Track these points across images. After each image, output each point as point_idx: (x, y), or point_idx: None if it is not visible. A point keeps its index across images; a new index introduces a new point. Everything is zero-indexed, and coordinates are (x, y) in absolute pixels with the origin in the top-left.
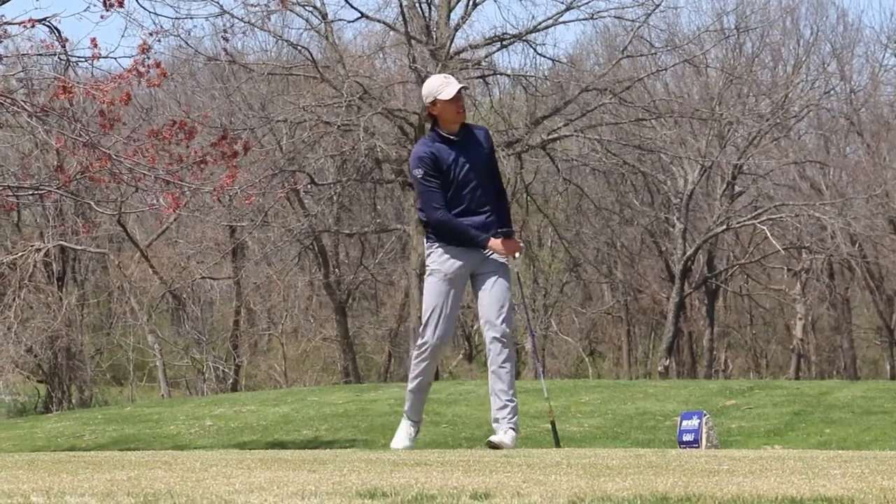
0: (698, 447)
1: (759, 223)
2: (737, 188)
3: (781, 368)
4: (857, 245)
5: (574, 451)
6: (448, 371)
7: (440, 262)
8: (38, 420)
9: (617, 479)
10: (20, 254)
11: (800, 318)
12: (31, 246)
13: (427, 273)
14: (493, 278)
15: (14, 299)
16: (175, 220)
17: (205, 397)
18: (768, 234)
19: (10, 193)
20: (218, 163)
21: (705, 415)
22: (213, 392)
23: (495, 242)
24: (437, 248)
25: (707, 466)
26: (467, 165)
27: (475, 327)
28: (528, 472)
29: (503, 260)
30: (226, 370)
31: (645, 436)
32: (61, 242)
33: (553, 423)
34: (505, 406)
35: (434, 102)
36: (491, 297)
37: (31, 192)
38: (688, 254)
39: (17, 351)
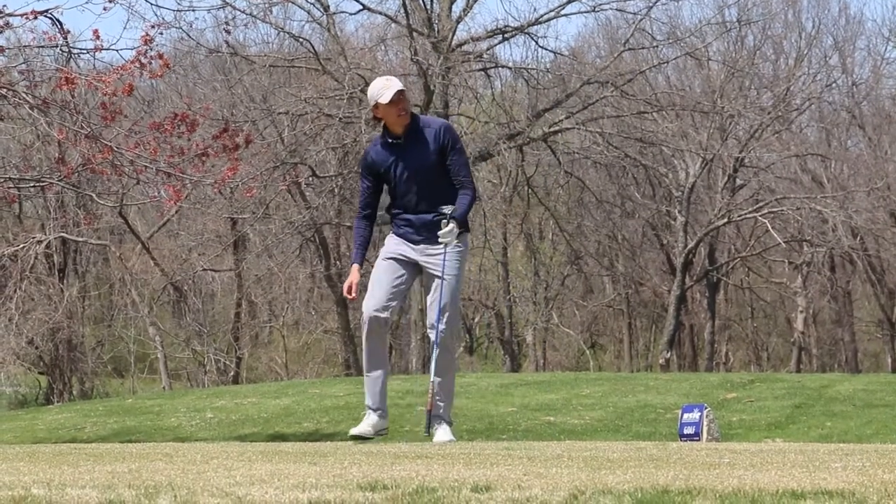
0: (699, 440)
1: (760, 216)
2: (738, 181)
3: (782, 361)
4: (858, 238)
5: (575, 443)
6: None
7: (387, 246)
8: (39, 412)
9: (618, 472)
10: (21, 245)
11: (801, 311)
12: (33, 238)
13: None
14: (435, 281)
15: (15, 291)
16: (176, 212)
17: (206, 389)
18: (769, 227)
19: (12, 185)
20: (219, 155)
21: (706, 408)
22: (215, 384)
23: (351, 274)
24: (388, 237)
25: (708, 459)
26: (408, 169)
27: (476, 319)
28: (529, 465)
29: (447, 245)
30: (227, 362)
31: (646, 429)
32: (63, 234)
33: (429, 412)
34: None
35: (376, 106)
36: (431, 298)
37: (32, 184)
38: (689, 247)
39: (18, 342)
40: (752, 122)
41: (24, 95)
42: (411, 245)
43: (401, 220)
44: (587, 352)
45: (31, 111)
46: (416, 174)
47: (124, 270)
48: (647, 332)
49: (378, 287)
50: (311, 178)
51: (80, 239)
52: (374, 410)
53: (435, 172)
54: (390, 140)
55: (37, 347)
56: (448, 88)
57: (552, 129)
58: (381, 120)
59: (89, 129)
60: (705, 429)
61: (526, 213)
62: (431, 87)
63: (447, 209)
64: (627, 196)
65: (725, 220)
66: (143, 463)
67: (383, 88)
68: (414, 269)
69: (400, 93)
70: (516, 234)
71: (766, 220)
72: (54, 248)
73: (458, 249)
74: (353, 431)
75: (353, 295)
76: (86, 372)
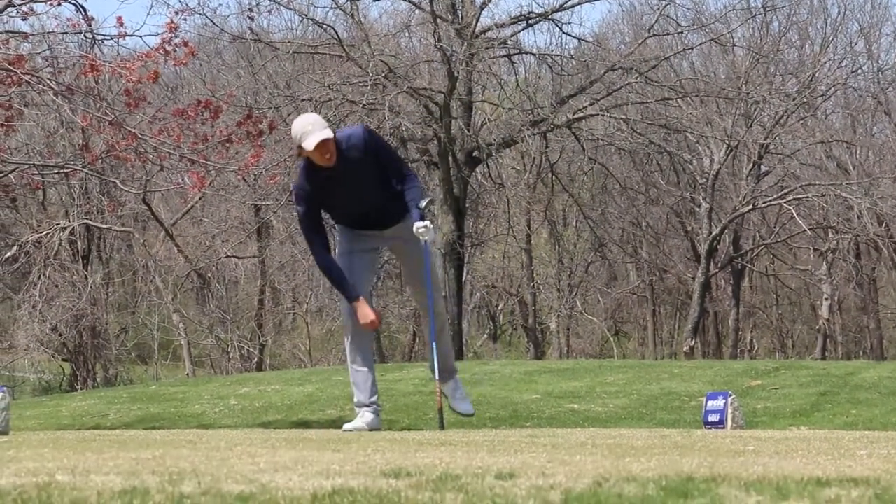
0: (724, 427)
1: (785, 203)
2: (763, 168)
3: (807, 349)
4: (883, 225)
5: (599, 431)
6: (473, 351)
7: (343, 240)
8: (63, 398)
9: (642, 460)
10: (45, 232)
11: (826, 299)
12: (57, 224)
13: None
14: (414, 255)
15: (39, 278)
16: (200, 198)
17: (229, 376)
18: (794, 214)
19: (36, 172)
20: (243, 142)
21: (731, 395)
22: (238, 371)
23: (360, 312)
24: (339, 233)
25: (732, 447)
26: (353, 192)
27: (500, 307)
28: (553, 453)
29: (428, 242)
30: (250, 349)
31: (670, 416)
32: (87, 221)
33: (440, 410)
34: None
35: (300, 148)
36: (414, 275)
37: (56, 171)
38: (713, 234)
39: (42, 329)
40: (776, 108)
41: (48, 82)
42: (368, 233)
43: (361, 231)
44: (611, 339)
45: (55, 98)
46: (362, 193)
47: (148, 257)
48: (671, 319)
49: (353, 277)
50: None
51: (104, 226)
52: (368, 406)
53: (377, 182)
54: (322, 172)
55: (60, 334)
56: (472, 75)
57: (576, 116)
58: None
59: (113, 116)
60: (730, 416)
61: (550, 200)
62: (455, 74)
63: (423, 202)
64: (652, 183)
65: (750, 206)
66: (167, 450)
67: (306, 134)
68: (376, 251)
69: (323, 142)
70: (540, 221)
71: (790, 207)
72: (78, 235)
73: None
74: (348, 427)
75: (376, 323)
76: (109, 359)
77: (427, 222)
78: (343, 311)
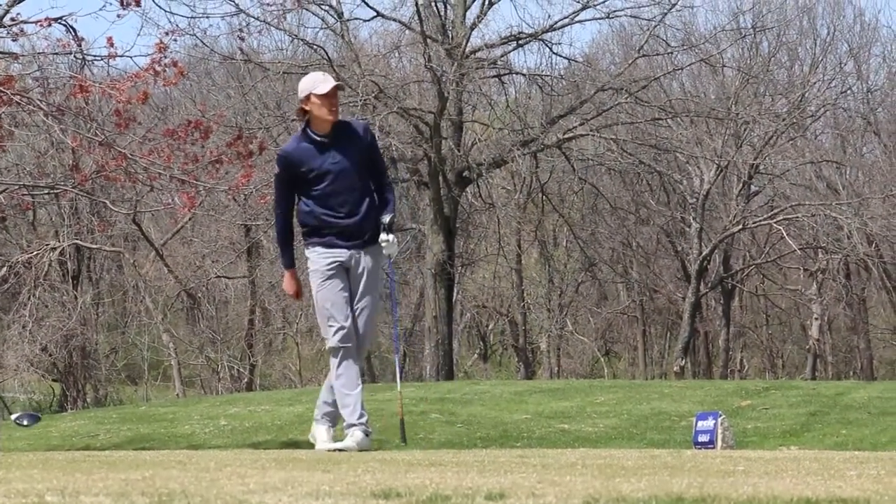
0: (714, 448)
1: (775, 223)
2: (753, 188)
3: (797, 369)
4: (873, 245)
5: (589, 451)
6: (463, 371)
7: (316, 261)
8: (52, 419)
9: (632, 480)
10: (35, 252)
11: (816, 319)
12: (47, 245)
13: (310, 272)
14: (361, 282)
15: (29, 298)
16: (190, 219)
17: (219, 397)
18: (784, 234)
19: (26, 192)
20: (233, 162)
21: (721, 415)
22: (228, 391)
23: (288, 279)
24: (311, 247)
25: (723, 467)
26: (334, 168)
27: (490, 327)
28: (544, 473)
29: (391, 256)
30: (240, 369)
31: (660, 436)
32: (76, 241)
33: (402, 421)
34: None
35: (308, 98)
36: (359, 303)
37: (46, 191)
38: (704, 254)
39: (31, 350)
40: (766, 128)
41: (38, 102)
42: (338, 251)
43: (324, 226)
44: (601, 359)
45: (45, 118)
46: (342, 173)
47: (138, 277)
48: (661, 339)
49: (335, 311)
50: None
51: (94, 246)
52: (358, 426)
53: (359, 172)
54: (316, 137)
55: (50, 354)
56: (462, 95)
57: (566, 136)
58: (307, 115)
59: (103, 137)
60: (720, 436)
61: (540, 220)
62: (445, 94)
63: (386, 217)
64: (642, 203)
65: (740, 226)
66: (156, 470)
67: (320, 81)
68: (346, 273)
69: (337, 87)
70: (530, 241)
71: (780, 227)
72: (68, 255)
73: (385, 256)
74: (338, 446)
75: (298, 295)
76: (99, 379)
77: (391, 237)
78: (331, 347)
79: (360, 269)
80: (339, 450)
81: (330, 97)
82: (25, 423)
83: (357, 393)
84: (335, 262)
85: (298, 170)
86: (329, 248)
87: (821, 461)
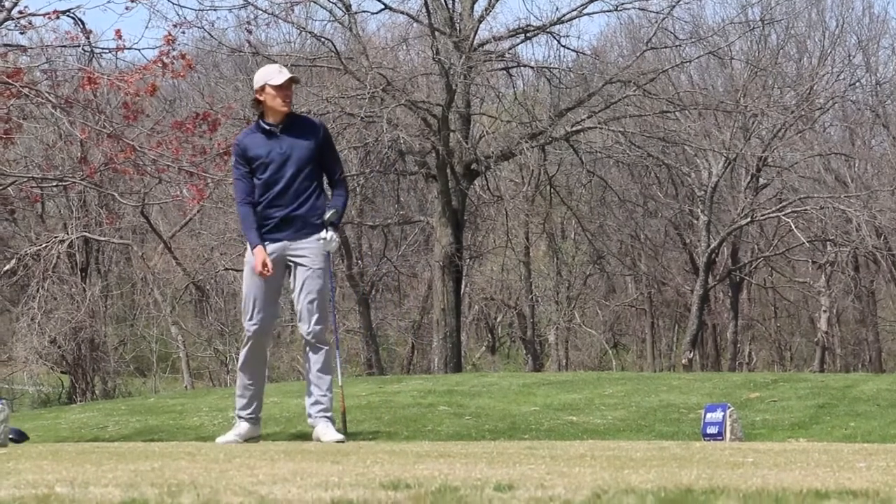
0: (722, 440)
1: (783, 216)
2: (761, 180)
3: (806, 361)
4: (882, 237)
5: (598, 443)
6: (471, 363)
7: (250, 253)
8: (62, 411)
9: (641, 472)
10: (44, 245)
11: (824, 311)
12: (55, 237)
13: (245, 261)
14: (305, 274)
15: (38, 290)
16: (198, 211)
17: (228, 388)
18: (793, 227)
19: (35, 185)
20: None
21: (729, 407)
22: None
23: (256, 254)
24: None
25: (731, 459)
26: (283, 159)
27: (498, 319)
28: (552, 465)
29: (319, 244)
30: None
31: (669, 428)
32: (85, 234)
33: (343, 413)
34: (318, 402)
35: (263, 88)
36: (303, 295)
37: (55, 184)
38: (712, 246)
39: (40, 342)
40: (775, 121)
41: (46, 95)
42: (273, 245)
43: (263, 216)
44: (610, 351)
45: (53, 111)
46: (288, 163)
47: (146, 270)
48: (669, 331)
49: (253, 304)
50: None
51: (103, 238)
52: (248, 418)
53: (308, 165)
54: (267, 127)
55: (59, 347)
56: (470, 88)
57: (574, 129)
58: (261, 105)
59: (112, 129)
60: (728, 428)
61: (548, 213)
62: (453, 87)
63: (327, 214)
64: (650, 195)
65: (748, 219)
66: (165, 462)
67: (276, 72)
68: (283, 267)
69: (292, 80)
70: (538, 234)
71: (789, 220)
72: (77, 248)
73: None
74: (220, 440)
75: (270, 269)
76: (108, 371)
77: (331, 234)
78: (245, 335)
79: (300, 259)
80: (224, 443)
81: (284, 89)
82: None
83: (257, 388)
84: (267, 256)
85: (247, 157)
86: (263, 241)
87: (830, 453)
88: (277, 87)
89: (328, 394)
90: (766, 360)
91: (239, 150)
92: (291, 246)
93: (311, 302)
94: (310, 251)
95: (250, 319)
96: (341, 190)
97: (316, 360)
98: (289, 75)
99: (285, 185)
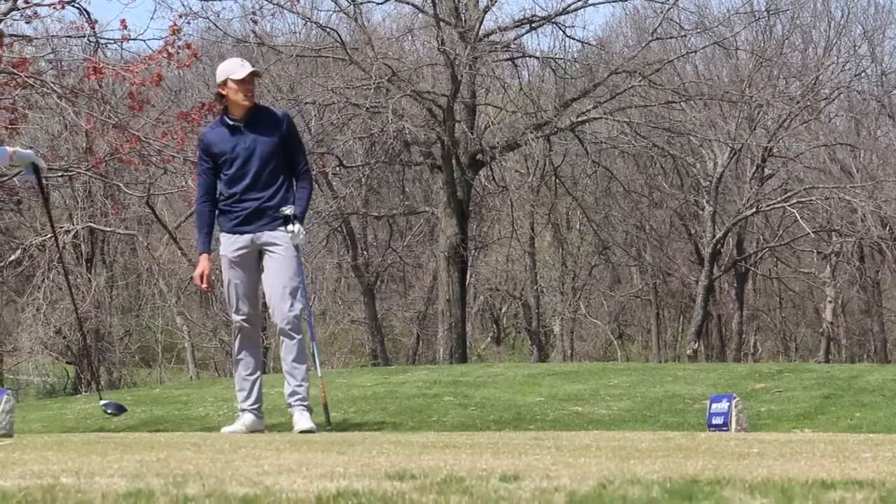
0: (728, 430)
1: (788, 206)
2: (767, 171)
3: (811, 352)
4: (887, 228)
5: (603, 433)
6: (477, 354)
7: (224, 246)
8: (67, 401)
9: (646, 462)
10: (49, 235)
11: (830, 302)
12: (61, 227)
13: (220, 256)
14: (277, 262)
15: (43, 281)
16: None
17: (233, 379)
18: (798, 217)
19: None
20: None
21: (735, 398)
22: None
23: (200, 262)
24: (222, 233)
25: (737, 449)
26: (248, 154)
27: (503, 310)
28: (558, 455)
29: (299, 247)
30: None
31: (674, 419)
32: (90, 224)
33: (325, 404)
34: (294, 393)
35: (225, 82)
36: (276, 282)
37: (60, 174)
38: (717, 237)
39: (45, 332)
40: (780, 111)
41: (52, 85)
42: (244, 238)
43: (231, 210)
44: (615, 342)
45: (58, 101)
46: (253, 157)
47: (152, 260)
48: (674, 322)
49: (236, 296)
50: (338, 168)
51: (108, 229)
52: (251, 410)
53: (273, 158)
54: (230, 122)
55: (64, 337)
56: (475, 78)
57: (580, 119)
58: (224, 99)
59: (117, 119)
60: (734, 419)
61: (553, 203)
62: (458, 77)
63: (289, 209)
64: (655, 186)
65: (754, 210)
66: (171, 452)
67: (237, 66)
68: (258, 258)
69: (254, 73)
70: (544, 225)
71: (794, 210)
72: (82, 238)
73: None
74: (225, 430)
75: (206, 285)
76: (113, 362)
77: (297, 227)
78: (234, 328)
79: (271, 248)
80: (228, 433)
81: (246, 83)
82: (110, 411)
83: (255, 378)
84: (241, 249)
85: (212, 153)
86: (234, 234)
87: (835, 444)
88: (239, 82)
89: (304, 383)
90: (772, 350)
91: (203, 145)
92: (262, 237)
93: (283, 287)
94: (281, 239)
95: (236, 311)
96: (305, 182)
97: (289, 349)
98: (250, 69)
99: (252, 179)
